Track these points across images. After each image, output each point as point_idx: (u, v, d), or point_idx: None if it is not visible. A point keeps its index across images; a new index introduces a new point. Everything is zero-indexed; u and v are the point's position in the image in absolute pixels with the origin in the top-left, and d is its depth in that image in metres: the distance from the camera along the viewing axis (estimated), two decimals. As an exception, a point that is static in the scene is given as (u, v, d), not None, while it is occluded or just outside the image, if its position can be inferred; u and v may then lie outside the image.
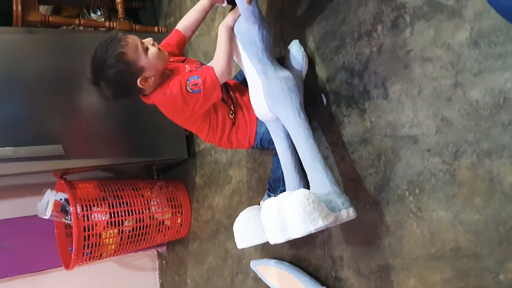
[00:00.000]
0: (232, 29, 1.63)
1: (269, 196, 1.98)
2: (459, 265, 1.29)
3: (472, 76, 1.23)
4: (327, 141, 1.75)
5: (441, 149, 1.32)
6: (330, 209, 1.39)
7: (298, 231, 1.35)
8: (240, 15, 1.59)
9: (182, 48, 1.87)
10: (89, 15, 3.38)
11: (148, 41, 1.63)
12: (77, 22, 2.86)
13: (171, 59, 1.75)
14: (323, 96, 1.75)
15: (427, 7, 1.35)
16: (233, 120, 1.81)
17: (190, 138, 2.88)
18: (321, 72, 1.76)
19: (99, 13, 3.38)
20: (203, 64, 1.81)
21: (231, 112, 1.79)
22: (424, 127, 1.37)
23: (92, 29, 3.06)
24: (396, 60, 1.45)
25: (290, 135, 1.62)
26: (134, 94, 1.69)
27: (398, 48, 1.44)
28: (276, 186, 1.90)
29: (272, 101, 1.60)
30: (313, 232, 1.33)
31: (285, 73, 1.62)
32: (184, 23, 1.85)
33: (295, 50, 1.74)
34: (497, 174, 1.18)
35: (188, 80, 1.61)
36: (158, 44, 1.68)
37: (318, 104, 1.77)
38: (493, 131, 1.18)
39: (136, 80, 1.59)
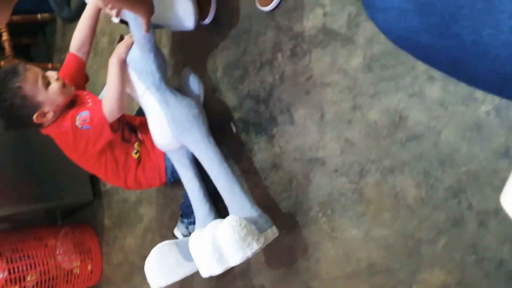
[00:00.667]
0: (124, 61, 1.55)
1: (183, 222, 1.90)
2: (375, 281, 1.33)
3: (369, 98, 1.30)
4: (239, 169, 1.74)
5: (347, 169, 1.37)
6: (258, 231, 1.38)
7: (236, 258, 1.32)
8: (131, 44, 1.54)
9: (83, 72, 1.75)
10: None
11: (52, 75, 1.54)
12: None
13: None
14: (231, 124, 1.75)
15: (322, 35, 1.41)
16: (138, 159, 1.73)
17: (95, 177, 2.72)
18: (228, 100, 1.76)
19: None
20: None
21: (136, 151, 1.72)
22: (329, 149, 1.42)
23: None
24: (298, 86, 1.49)
25: (201, 162, 1.59)
26: (29, 127, 1.60)
27: (299, 75, 1.49)
28: (189, 211, 1.83)
29: (178, 128, 1.56)
30: (250, 256, 1.33)
31: (187, 100, 1.59)
32: (76, 42, 1.72)
33: (190, 77, 1.72)
34: (400, 189, 1.25)
35: (79, 115, 1.54)
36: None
37: (228, 133, 1.76)
38: (392, 149, 1.25)
39: (32, 115, 1.50)
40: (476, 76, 0.47)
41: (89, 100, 1.64)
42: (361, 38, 1.30)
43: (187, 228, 1.88)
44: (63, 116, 1.56)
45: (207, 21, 1.74)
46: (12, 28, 2.82)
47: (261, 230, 1.40)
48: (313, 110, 1.45)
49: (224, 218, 1.41)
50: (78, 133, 1.55)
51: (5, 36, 2.78)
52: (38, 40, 3.28)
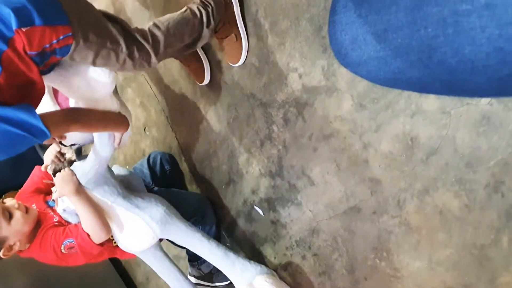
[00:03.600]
0: (80, 191, 1.52)
1: (193, 265, 1.97)
2: (459, 303, 1.27)
3: (374, 133, 1.31)
4: (282, 248, 1.72)
5: (384, 206, 1.36)
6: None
7: None
8: (73, 177, 1.52)
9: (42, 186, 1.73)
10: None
11: (12, 205, 1.49)
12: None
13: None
14: (256, 208, 1.76)
15: (305, 94, 1.45)
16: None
17: (124, 273, 2.69)
18: (244, 187, 1.78)
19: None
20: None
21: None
22: (359, 195, 1.41)
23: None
24: (303, 148, 1.52)
25: (189, 247, 1.68)
26: None
27: (300, 137, 1.52)
28: (197, 256, 1.81)
29: (160, 225, 1.60)
30: None
31: (152, 196, 1.67)
32: None
33: (126, 172, 1.77)
34: (443, 205, 1.23)
35: (63, 244, 1.52)
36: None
37: (257, 218, 1.76)
38: (418, 170, 1.25)
39: None
40: (473, 89, 0.48)
41: (55, 217, 1.61)
42: (342, 83, 1.34)
43: (199, 269, 1.94)
44: (39, 245, 1.52)
45: (206, 81, 1.77)
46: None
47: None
48: (327, 164, 1.46)
49: None
50: (64, 257, 1.54)
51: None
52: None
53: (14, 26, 0.97)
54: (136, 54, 1.25)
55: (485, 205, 1.15)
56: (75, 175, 1.52)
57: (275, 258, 1.77)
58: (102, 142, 1.46)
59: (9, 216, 1.45)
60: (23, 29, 0.99)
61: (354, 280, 1.51)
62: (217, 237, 1.90)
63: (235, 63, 1.59)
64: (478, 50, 0.44)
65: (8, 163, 3.05)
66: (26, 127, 1.01)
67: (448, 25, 0.44)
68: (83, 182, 1.54)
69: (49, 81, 1.27)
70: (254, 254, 1.84)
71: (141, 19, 1.93)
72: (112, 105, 1.38)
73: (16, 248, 1.50)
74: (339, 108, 1.38)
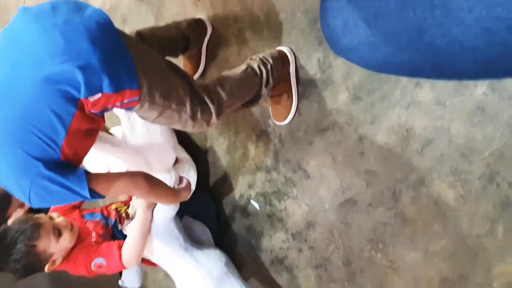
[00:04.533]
0: (149, 213, 1.60)
1: None
2: (455, 293, 1.28)
3: (370, 125, 1.32)
4: (278, 241, 1.72)
5: (379, 198, 1.36)
6: None
7: None
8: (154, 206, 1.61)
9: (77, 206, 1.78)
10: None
11: (61, 222, 1.53)
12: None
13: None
14: (252, 202, 1.76)
15: (300, 87, 1.46)
16: None
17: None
18: (240, 182, 1.78)
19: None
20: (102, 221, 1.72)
21: None
22: (355, 187, 1.41)
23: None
24: (299, 142, 1.52)
25: None
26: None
27: (296, 131, 1.52)
28: None
29: (217, 283, 1.62)
30: None
31: (212, 251, 1.70)
32: None
33: (193, 223, 1.83)
34: (438, 196, 1.23)
35: (93, 261, 1.55)
36: None
37: (253, 213, 1.77)
38: (413, 161, 1.25)
39: (44, 267, 1.49)
40: (462, 72, 0.49)
41: (93, 234, 1.64)
42: (338, 75, 1.34)
43: None
44: (74, 262, 1.55)
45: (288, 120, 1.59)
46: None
47: None
48: (323, 158, 1.47)
49: None
50: (93, 273, 1.57)
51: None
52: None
53: (82, 95, 0.98)
54: (199, 115, 1.21)
55: (480, 195, 1.16)
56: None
57: (271, 252, 1.77)
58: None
59: (58, 233, 1.49)
60: (90, 100, 1.00)
61: (351, 272, 1.51)
62: (219, 235, 1.90)
63: (282, 121, 1.53)
64: (466, 31, 0.44)
65: None
66: (73, 191, 1.06)
67: (436, 7, 0.44)
68: (152, 229, 1.61)
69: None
70: (250, 249, 1.85)
71: (137, 13, 1.93)
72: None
73: (58, 263, 1.53)
74: (335, 100, 1.38)
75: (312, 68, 1.40)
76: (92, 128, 1.10)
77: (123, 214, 1.70)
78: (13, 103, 0.99)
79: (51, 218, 1.53)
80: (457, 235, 1.23)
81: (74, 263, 1.53)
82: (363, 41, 0.52)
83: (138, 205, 1.60)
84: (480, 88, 1.09)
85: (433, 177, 1.23)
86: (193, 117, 1.21)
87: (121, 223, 1.67)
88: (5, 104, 1.00)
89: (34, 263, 1.45)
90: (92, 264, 1.53)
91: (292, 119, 1.50)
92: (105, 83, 0.99)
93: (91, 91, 0.99)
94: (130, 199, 1.80)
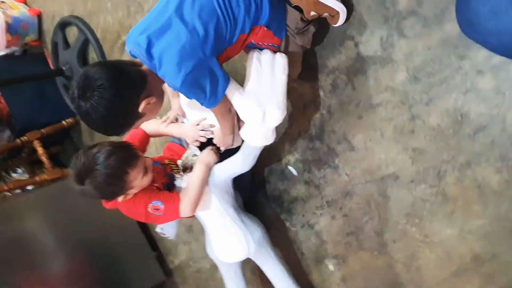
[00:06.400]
0: (208, 169, 1.67)
1: None
2: (484, 270, 1.38)
3: (425, 106, 1.38)
4: (311, 207, 1.81)
5: (423, 176, 1.44)
6: None
7: None
8: (217, 157, 1.69)
9: (145, 146, 1.82)
10: (10, 176, 3.23)
11: (149, 162, 1.60)
12: (5, 188, 2.73)
13: None
14: (290, 168, 1.83)
15: (358, 63, 1.51)
16: None
17: (161, 257, 2.79)
18: (281, 146, 1.85)
19: (20, 171, 3.24)
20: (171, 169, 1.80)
21: None
22: (399, 163, 1.49)
23: (20, 190, 2.91)
24: (348, 114, 1.58)
25: (272, 276, 1.83)
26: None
27: (346, 104, 1.58)
28: None
29: (257, 246, 1.74)
30: None
31: (255, 219, 1.81)
32: (152, 132, 1.80)
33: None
34: (482, 179, 1.31)
35: (151, 203, 1.61)
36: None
37: (290, 177, 1.84)
38: (463, 144, 1.33)
39: (119, 195, 1.55)
40: None
41: (155, 176, 1.68)
42: (399, 55, 1.40)
43: None
44: (134, 199, 1.61)
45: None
46: (42, 141, 2.95)
47: None
48: (371, 132, 1.53)
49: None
50: (149, 215, 1.63)
51: (40, 150, 2.91)
52: (65, 146, 3.41)
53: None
54: None
55: (525, 181, 1.24)
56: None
57: (303, 216, 1.86)
58: (247, 160, 1.64)
59: (145, 171, 1.55)
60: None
61: (382, 242, 1.61)
62: (249, 190, 1.99)
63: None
64: None
65: (30, 104, 3.08)
66: (216, 86, 1.33)
67: None
68: (211, 182, 1.68)
69: None
70: (282, 210, 1.93)
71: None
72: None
73: (129, 197, 1.58)
74: (392, 79, 1.44)
75: (373, 45, 1.45)
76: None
77: (174, 169, 1.77)
78: None
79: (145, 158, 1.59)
80: (496, 217, 1.31)
81: (135, 201, 1.59)
82: (510, 27, 0.57)
83: (200, 158, 1.67)
84: (543, 83, 1.15)
85: (480, 160, 1.31)
86: None
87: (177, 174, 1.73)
88: None
89: (119, 188, 1.50)
90: (150, 204, 1.59)
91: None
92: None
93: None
94: (173, 155, 1.87)
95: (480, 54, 1.21)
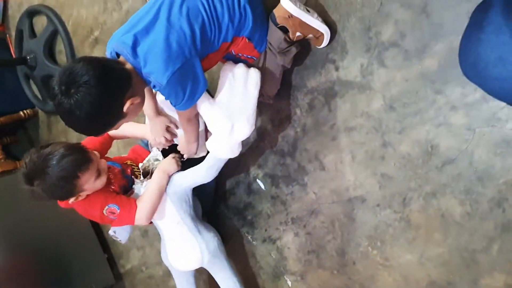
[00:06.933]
0: (166, 178, 1.68)
1: None
2: (439, 297, 1.44)
3: (397, 134, 1.44)
4: (275, 222, 1.83)
5: (389, 201, 1.49)
6: None
7: None
8: (179, 167, 1.69)
9: (107, 148, 1.81)
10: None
11: (103, 164, 1.57)
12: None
13: None
14: (258, 181, 1.85)
15: (337, 86, 1.55)
16: None
17: (111, 260, 2.71)
18: (250, 159, 1.86)
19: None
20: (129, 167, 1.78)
21: None
22: (367, 186, 1.54)
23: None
24: (322, 135, 1.62)
25: (219, 281, 1.82)
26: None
27: (321, 125, 1.62)
28: None
29: (211, 257, 1.75)
30: None
31: (211, 228, 1.81)
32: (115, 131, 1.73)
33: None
34: (446, 210, 1.38)
35: (107, 205, 1.60)
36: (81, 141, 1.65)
37: (256, 190, 1.86)
38: (431, 175, 1.39)
39: (69, 198, 1.53)
40: None
41: (112, 177, 1.68)
42: (377, 83, 1.45)
43: None
44: (89, 201, 1.59)
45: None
46: (-4, 130, 2.83)
47: None
48: (342, 154, 1.58)
49: None
50: (103, 217, 1.62)
51: (-7, 140, 2.78)
52: (19, 137, 3.28)
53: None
54: None
55: (485, 216, 1.31)
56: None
57: (266, 230, 1.87)
58: (210, 171, 1.64)
59: (98, 174, 1.53)
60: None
61: (342, 262, 1.64)
62: (212, 201, 1.98)
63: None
64: None
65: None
66: (196, 89, 1.37)
67: None
68: (170, 190, 1.67)
69: None
70: (245, 223, 1.94)
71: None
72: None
73: (80, 199, 1.55)
74: (368, 105, 1.49)
75: (353, 71, 1.50)
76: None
77: (136, 171, 1.75)
78: None
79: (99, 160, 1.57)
80: (455, 247, 1.38)
81: (90, 202, 1.57)
82: (513, 76, 0.62)
83: (161, 165, 1.65)
84: (510, 124, 1.23)
85: (446, 192, 1.37)
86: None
87: (137, 178, 1.71)
88: None
89: (68, 191, 1.47)
90: (107, 207, 1.57)
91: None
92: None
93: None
94: (137, 157, 1.84)
95: (456, 91, 1.28)
